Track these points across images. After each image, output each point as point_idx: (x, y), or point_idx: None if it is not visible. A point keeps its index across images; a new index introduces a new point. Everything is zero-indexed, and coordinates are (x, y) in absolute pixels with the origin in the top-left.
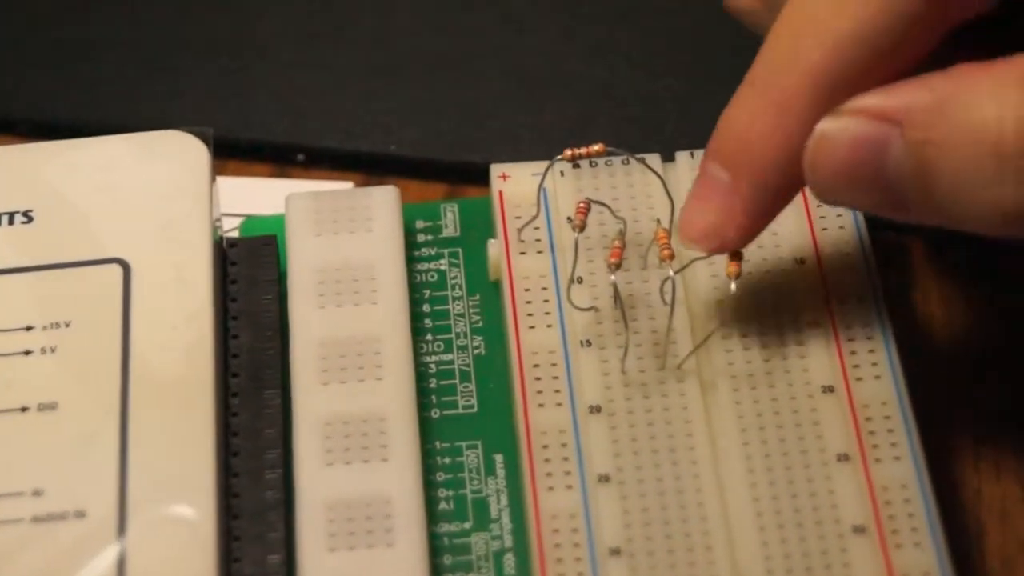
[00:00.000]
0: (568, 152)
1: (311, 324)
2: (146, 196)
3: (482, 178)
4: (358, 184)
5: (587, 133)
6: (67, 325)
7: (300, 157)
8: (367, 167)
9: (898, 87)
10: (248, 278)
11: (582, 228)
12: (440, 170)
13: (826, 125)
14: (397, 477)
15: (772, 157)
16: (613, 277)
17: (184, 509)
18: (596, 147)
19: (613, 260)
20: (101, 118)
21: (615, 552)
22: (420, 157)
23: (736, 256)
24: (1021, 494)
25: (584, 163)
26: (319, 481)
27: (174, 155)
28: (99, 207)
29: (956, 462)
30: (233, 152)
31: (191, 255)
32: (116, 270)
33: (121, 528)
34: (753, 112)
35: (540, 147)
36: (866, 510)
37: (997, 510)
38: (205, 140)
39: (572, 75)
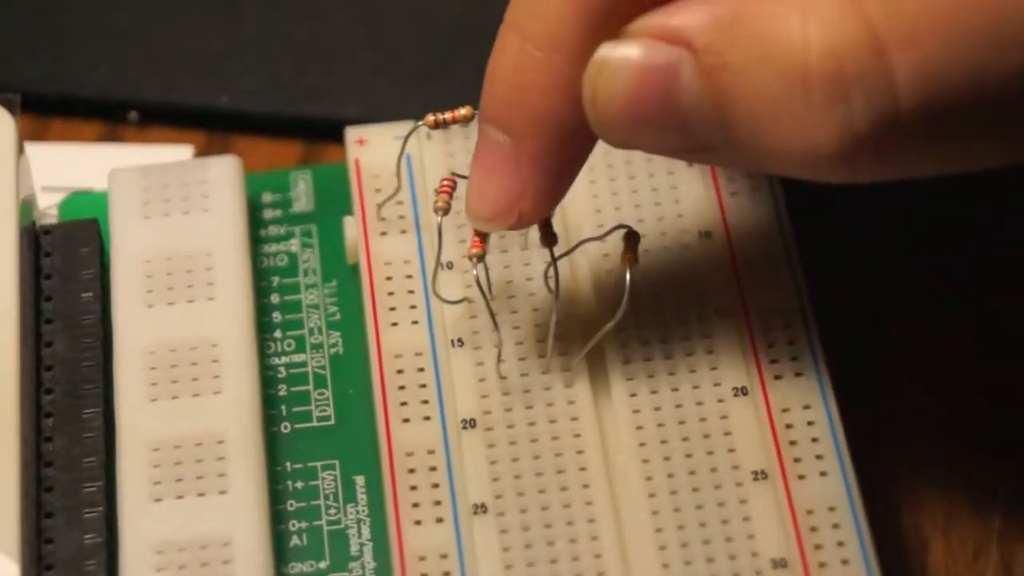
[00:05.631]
0: (431, 118)
1: (138, 327)
2: None
3: (341, 136)
4: (200, 147)
5: (450, 75)
6: None
7: (132, 115)
8: (209, 125)
9: (688, 2)
10: (65, 272)
11: (446, 211)
12: (292, 127)
13: (605, 51)
14: (238, 512)
15: (549, 107)
16: (476, 271)
17: None
18: (463, 111)
19: (474, 251)
20: None
21: None
22: (264, 112)
23: (631, 239)
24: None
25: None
26: (146, 521)
27: None
28: None
29: (886, 470)
30: (56, 110)
31: None
32: None
33: None
34: (518, 57)
35: (396, 95)
36: (788, 539)
37: (941, 518)
38: (11, 109)
39: (428, 9)
